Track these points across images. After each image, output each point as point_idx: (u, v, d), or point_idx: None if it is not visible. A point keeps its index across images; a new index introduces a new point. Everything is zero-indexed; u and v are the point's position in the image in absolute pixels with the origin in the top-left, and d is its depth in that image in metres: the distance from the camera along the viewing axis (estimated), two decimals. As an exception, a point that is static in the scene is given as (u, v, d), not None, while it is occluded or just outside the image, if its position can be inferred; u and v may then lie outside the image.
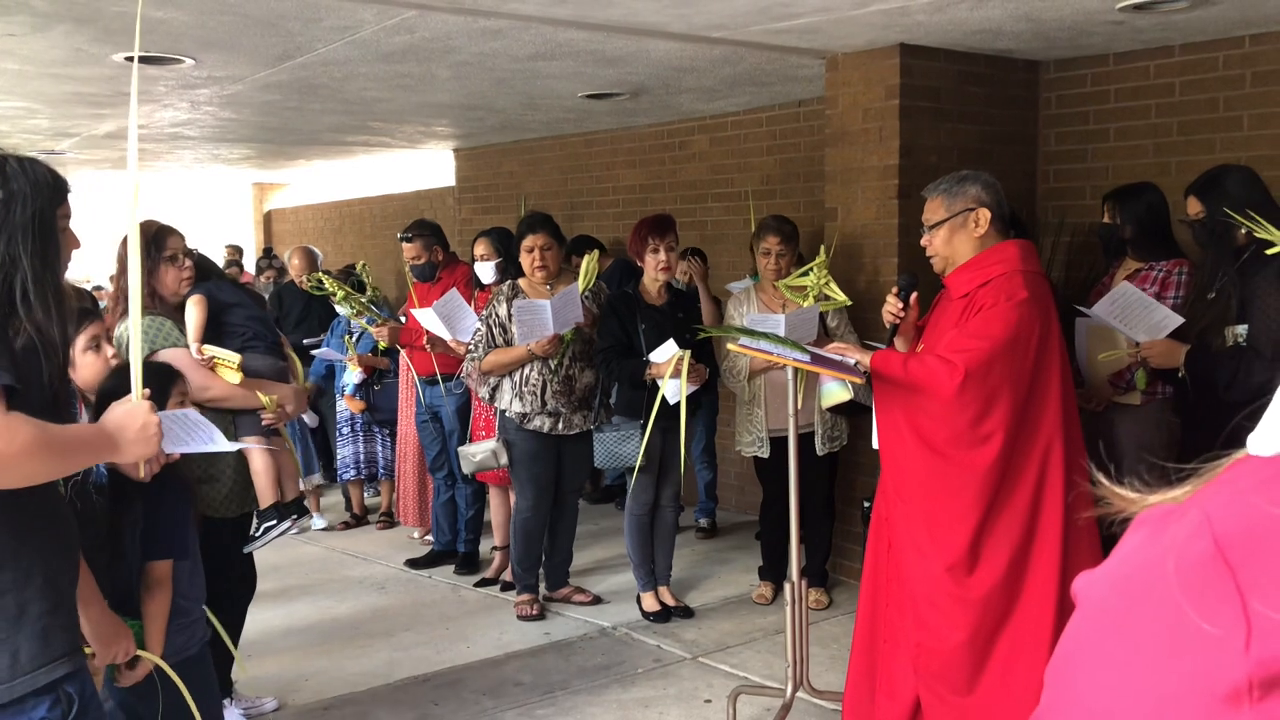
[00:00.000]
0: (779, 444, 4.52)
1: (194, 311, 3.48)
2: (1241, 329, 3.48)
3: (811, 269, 4.45)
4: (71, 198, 1.92)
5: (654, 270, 4.60)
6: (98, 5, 3.97)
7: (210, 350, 3.45)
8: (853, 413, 4.56)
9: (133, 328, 1.91)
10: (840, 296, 4.39)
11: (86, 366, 2.83)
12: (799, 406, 4.03)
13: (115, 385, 2.58)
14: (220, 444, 2.50)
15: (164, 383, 2.67)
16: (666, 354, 4.32)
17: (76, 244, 1.91)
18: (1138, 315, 3.69)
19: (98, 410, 2.43)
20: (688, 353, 4.25)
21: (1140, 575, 0.57)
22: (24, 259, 1.74)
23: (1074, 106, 5.10)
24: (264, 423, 3.53)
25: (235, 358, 3.42)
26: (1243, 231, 3.43)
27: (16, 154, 1.83)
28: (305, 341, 6.54)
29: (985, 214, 3.10)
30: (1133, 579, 0.58)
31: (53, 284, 1.78)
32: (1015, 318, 2.96)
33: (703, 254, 6.03)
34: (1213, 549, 0.54)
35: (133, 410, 1.84)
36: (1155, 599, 0.55)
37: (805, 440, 4.64)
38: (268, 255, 10.24)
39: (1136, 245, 3.99)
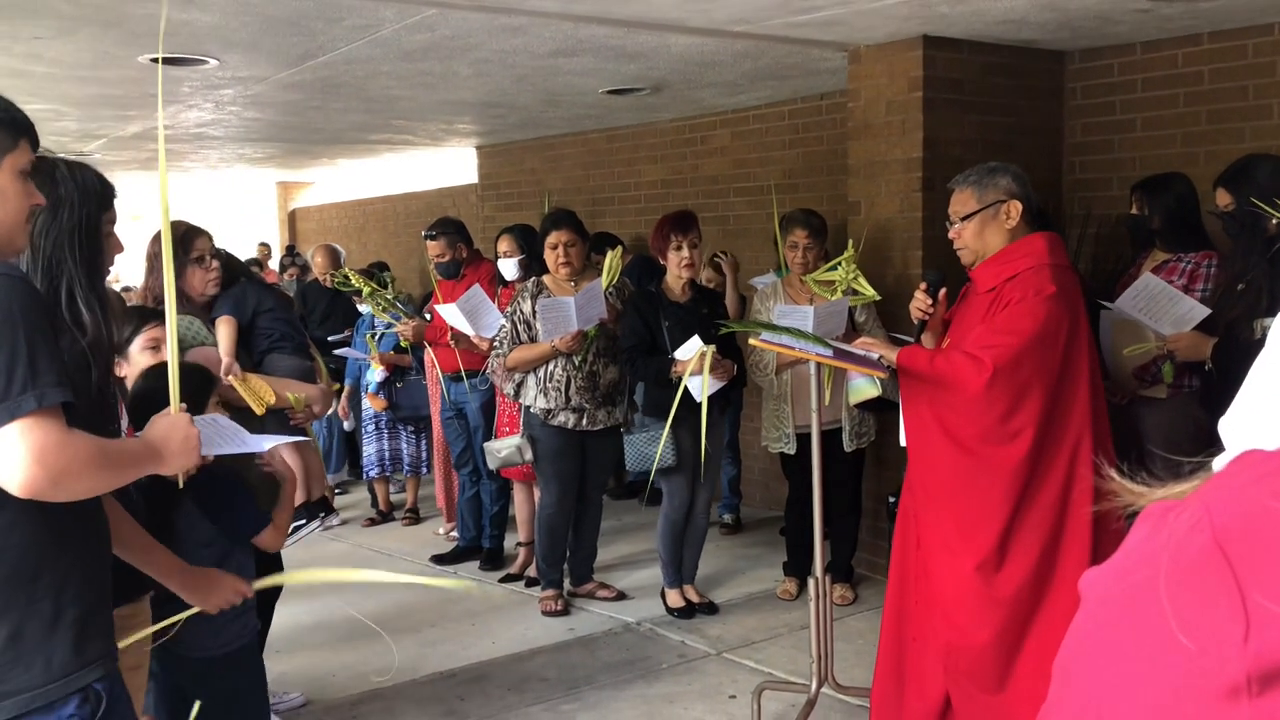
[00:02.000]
0: (806, 440, 4.49)
1: (224, 332, 3.52)
2: (1270, 321, 3.43)
3: (840, 263, 4.43)
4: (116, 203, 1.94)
5: (677, 267, 4.58)
6: (123, 8, 4.00)
7: (249, 381, 3.42)
8: (881, 409, 4.54)
9: (169, 338, 1.89)
10: (869, 291, 4.37)
11: (141, 367, 2.81)
12: (826, 402, 4.01)
13: (147, 388, 2.60)
14: (250, 444, 2.51)
15: (203, 386, 2.69)
16: (691, 351, 4.31)
17: (120, 248, 1.93)
18: (1162, 307, 3.64)
19: (132, 411, 2.45)
20: (711, 348, 4.23)
21: (1140, 570, 0.57)
22: (70, 263, 1.77)
23: (1100, 97, 5.05)
24: (291, 423, 3.56)
25: (268, 399, 3.36)
26: (1273, 222, 3.38)
27: (66, 159, 1.86)
28: (330, 339, 6.59)
29: (1017, 205, 3.07)
30: (1133, 574, 0.58)
31: (98, 288, 1.81)
32: (1044, 313, 2.93)
33: (729, 255, 6.00)
34: (1211, 543, 0.54)
35: (174, 422, 1.83)
36: (1154, 594, 0.55)
37: (833, 436, 4.62)
38: (290, 253, 10.32)
39: (1165, 236, 3.95)
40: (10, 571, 1.64)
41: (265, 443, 2.40)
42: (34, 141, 1.72)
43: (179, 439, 1.81)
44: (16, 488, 1.55)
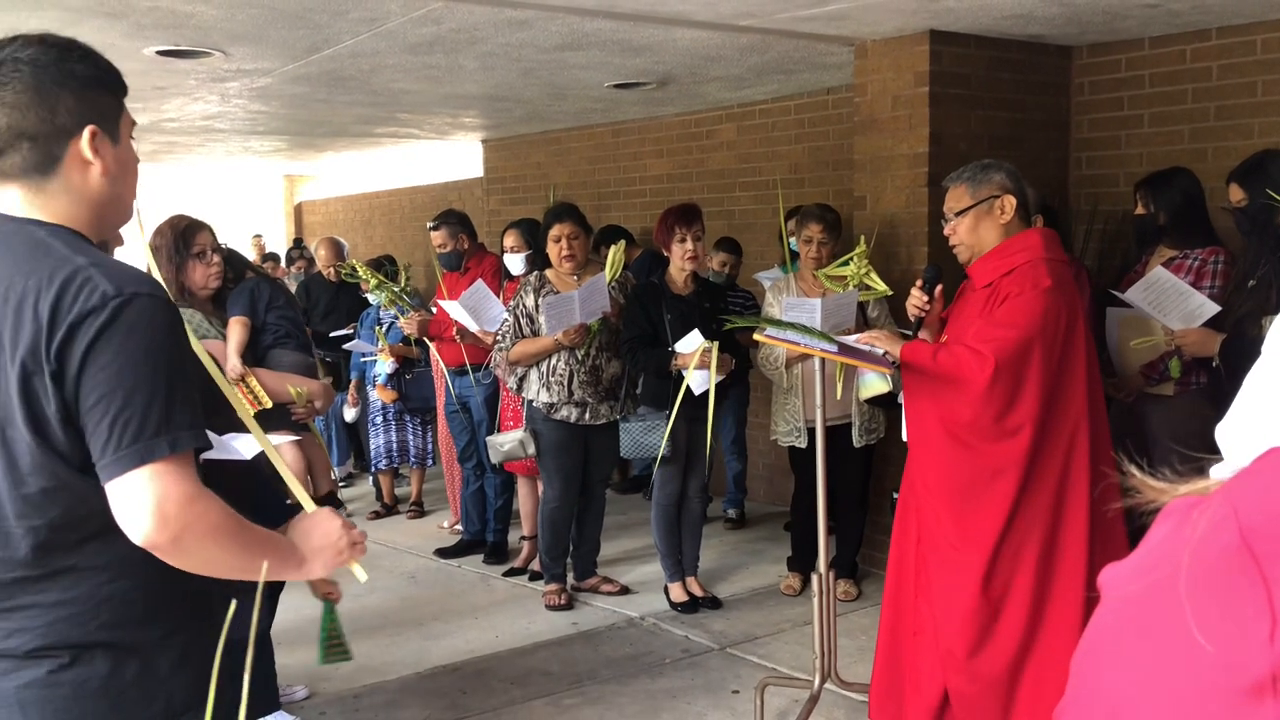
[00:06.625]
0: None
1: (236, 332, 3.53)
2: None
3: (852, 259, 4.43)
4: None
5: (680, 260, 4.58)
6: (129, 0, 4.00)
7: (249, 380, 3.46)
8: (891, 405, 4.53)
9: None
10: (881, 286, 4.37)
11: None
12: (837, 396, 3.98)
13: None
14: (231, 451, 2.36)
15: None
16: (691, 345, 4.31)
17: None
18: (1172, 302, 3.62)
19: None
20: (714, 344, 4.23)
21: (1162, 567, 0.57)
22: None
23: (1107, 92, 5.02)
24: (293, 418, 3.56)
25: (264, 403, 3.40)
26: (1283, 218, 3.36)
27: None
28: (332, 335, 6.58)
29: (1010, 201, 3.07)
30: (1154, 570, 0.57)
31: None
32: (1041, 306, 2.92)
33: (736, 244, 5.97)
34: (1238, 540, 0.53)
35: (326, 529, 1.67)
36: (1176, 591, 0.55)
37: (842, 431, 4.62)
38: (298, 245, 10.32)
39: (1172, 233, 3.92)
40: (159, 603, 1.55)
41: (249, 450, 2.29)
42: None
43: (331, 543, 1.65)
44: (138, 538, 1.45)
